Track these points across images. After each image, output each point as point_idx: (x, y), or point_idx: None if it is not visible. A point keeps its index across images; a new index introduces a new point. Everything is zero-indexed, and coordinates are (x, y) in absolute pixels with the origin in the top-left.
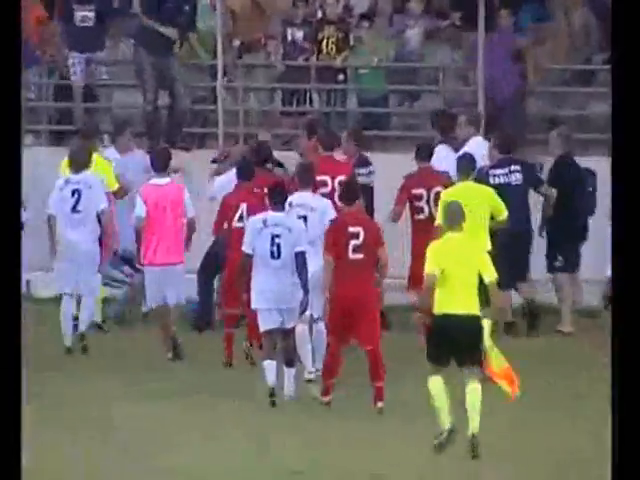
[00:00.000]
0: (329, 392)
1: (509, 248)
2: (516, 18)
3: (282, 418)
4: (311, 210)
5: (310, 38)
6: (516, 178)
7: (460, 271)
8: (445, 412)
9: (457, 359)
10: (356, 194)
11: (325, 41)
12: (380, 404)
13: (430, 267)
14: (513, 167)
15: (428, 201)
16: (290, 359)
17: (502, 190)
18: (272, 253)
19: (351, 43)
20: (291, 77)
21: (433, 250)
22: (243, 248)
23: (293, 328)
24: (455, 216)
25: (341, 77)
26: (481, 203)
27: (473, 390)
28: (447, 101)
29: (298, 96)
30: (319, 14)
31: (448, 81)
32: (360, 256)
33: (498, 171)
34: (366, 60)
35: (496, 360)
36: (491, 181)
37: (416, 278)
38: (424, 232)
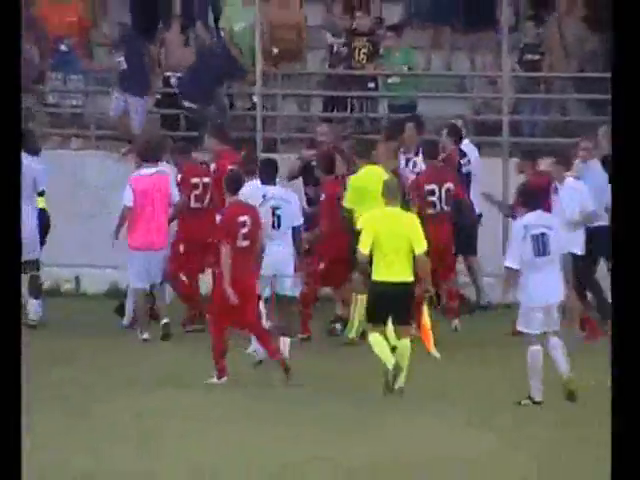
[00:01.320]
0: (224, 372)
1: None
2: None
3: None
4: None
5: (347, 48)
6: None
7: (393, 240)
8: (387, 354)
9: (392, 318)
10: (240, 184)
11: (357, 51)
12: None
13: (363, 243)
14: None
15: (440, 197)
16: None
17: None
18: (272, 224)
19: (380, 53)
20: (330, 84)
21: (368, 221)
22: None
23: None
24: (392, 191)
25: (372, 85)
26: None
27: (403, 345)
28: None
29: (337, 103)
30: (353, 25)
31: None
32: (247, 243)
33: None
34: (397, 69)
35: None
36: None
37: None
38: (434, 225)
